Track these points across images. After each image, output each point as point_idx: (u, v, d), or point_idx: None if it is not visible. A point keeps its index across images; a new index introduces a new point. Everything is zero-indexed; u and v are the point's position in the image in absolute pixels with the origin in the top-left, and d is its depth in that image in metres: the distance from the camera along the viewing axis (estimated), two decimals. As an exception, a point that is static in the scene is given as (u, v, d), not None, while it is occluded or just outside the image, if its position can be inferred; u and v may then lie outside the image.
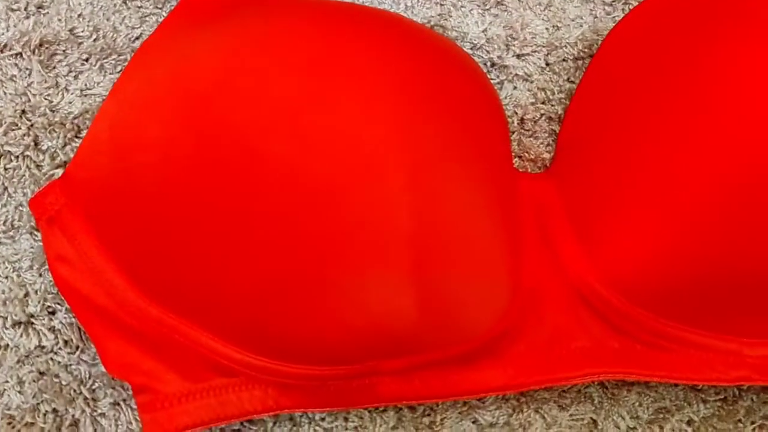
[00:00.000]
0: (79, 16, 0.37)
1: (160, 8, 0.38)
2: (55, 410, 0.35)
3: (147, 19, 0.37)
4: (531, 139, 0.38)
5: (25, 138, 0.36)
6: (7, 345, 0.36)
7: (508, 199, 0.34)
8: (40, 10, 0.37)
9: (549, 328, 0.33)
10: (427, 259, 0.30)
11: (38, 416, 0.35)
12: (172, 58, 0.31)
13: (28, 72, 0.37)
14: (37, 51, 0.37)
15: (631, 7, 0.40)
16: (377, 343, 0.31)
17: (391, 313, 0.30)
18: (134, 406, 0.34)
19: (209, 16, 0.34)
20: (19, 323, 0.36)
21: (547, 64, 0.39)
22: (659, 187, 0.32)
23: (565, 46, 0.39)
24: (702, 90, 0.32)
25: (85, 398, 0.35)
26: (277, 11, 0.32)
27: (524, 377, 0.33)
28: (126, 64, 0.36)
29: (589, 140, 0.35)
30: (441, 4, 0.40)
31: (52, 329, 0.36)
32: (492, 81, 0.39)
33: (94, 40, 0.37)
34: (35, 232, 0.36)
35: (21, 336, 0.36)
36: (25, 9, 0.37)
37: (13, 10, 0.37)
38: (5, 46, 0.37)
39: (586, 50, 0.39)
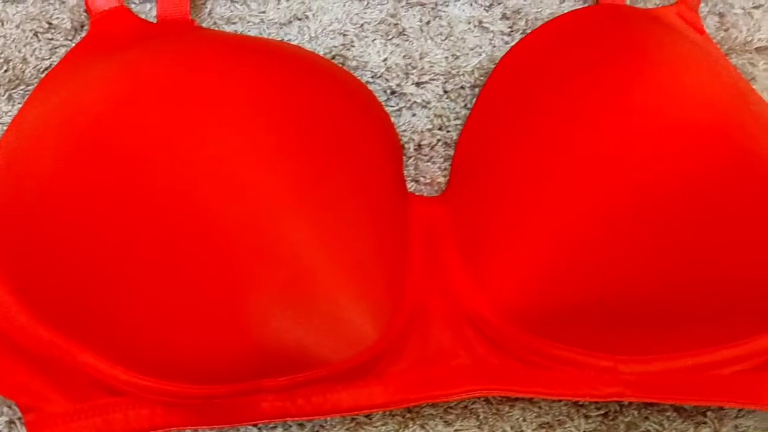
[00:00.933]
0: (-9, 47, 0.39)
1: (71, 40, 0.39)
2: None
3: (57, 50, 0.39)
4: (428, 163, 0.40)
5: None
6: None
7: (396, 221, 0.35)
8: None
9: (433, 347, 0.34)
10: (303, 279, 0.31)
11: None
12: (67, 89, 0.33)
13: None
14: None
15: (529, 36, 0.41)
16: (257, 362, 0.32)
17: (268, 333, 0.31)
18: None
19: (111, 48, 0.35)
20: None
21: (445, 92, 0.41)
22: (535, 216, 0.33)
23: (463, 75, 0.41)
24: (576, 121, 0.33)
25: (-20, 416, 0.37)
26: (171, 45, 0.34)
27: (405, 393, 0.34)
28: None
29: (477, 166, 0.37)
30: (344, 35, 0.41)
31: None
32: (391, 108, 0.40)
33: (4, 71, 0.39)
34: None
35: None
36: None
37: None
38: None
39: (482, 78, 0.41)
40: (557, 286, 0.32)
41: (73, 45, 0.39)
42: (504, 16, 0.42)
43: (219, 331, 0.31)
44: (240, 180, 0.30)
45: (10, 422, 0.36)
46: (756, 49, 0.43)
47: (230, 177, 0.30)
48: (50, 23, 0.39)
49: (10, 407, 0.36)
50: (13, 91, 0.38)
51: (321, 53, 0.40)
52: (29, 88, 0.38)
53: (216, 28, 0.40)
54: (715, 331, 0.34)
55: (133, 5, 0.40)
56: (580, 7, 0.43)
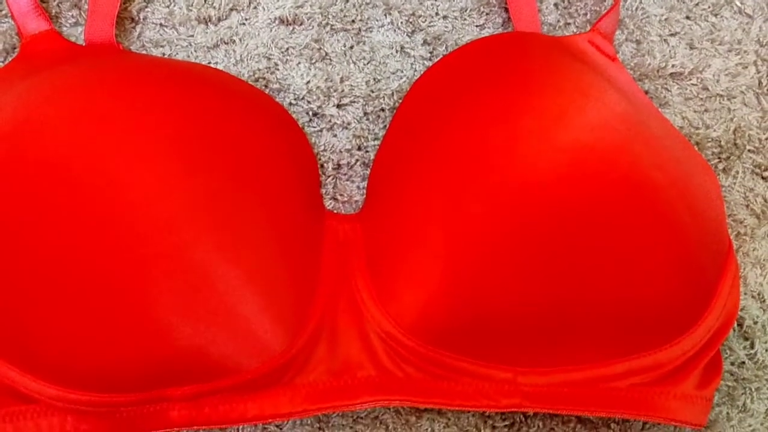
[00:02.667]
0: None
1: (2, 62, 0.41)
2: None
3: (-12, 70, 0.40)
4: (347, 182, 0.41)
5: None
6: None
7: (307, 236, 0.37)
8: None
9: (340, 359, 0.36)
10: (205, 289, 0.32)
11: None
12: None
13: None
14: None
15: (449, 61, 0.43)
16: (161, 371, 0.33)
17: (171, 342, 0.32)
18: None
19: (33, 69, 0.37)
20: None
21: (365, 114, 0.42)
22: (430, 234, 0.35)
23: (383, 97, 0.43)
24: (467, 143, 0.35)
25: None
26: (81, 67, 0.35)
27: (310, 403, 0.35)
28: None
29: (388, 185, 0.38)
30: (269, 58, 0.43)
31: None
32: (312, 129, 0.42)
33: (-64, 91, 0.40)
34: None
35: None
36: None
37: None
38: None
39: (401, 101, 0.42)
40: (452, 301, 0.34)
41: (1, 64, 0.40)
42: (425, 42, 0.44)
43: (122, 339, 0.32)
44: (141, 193, 0.32)
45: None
46: (670, 74, 0.45)
47: (131, 191, 0.32)
48: (-19, 45, 0.40)
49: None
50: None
51: (245, 76, 0.42)
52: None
53: (144, 52, 0.42)
54: (609, 346, 0.35)
55: (64, 28, 0.42)
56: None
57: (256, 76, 0.42)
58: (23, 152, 0.32)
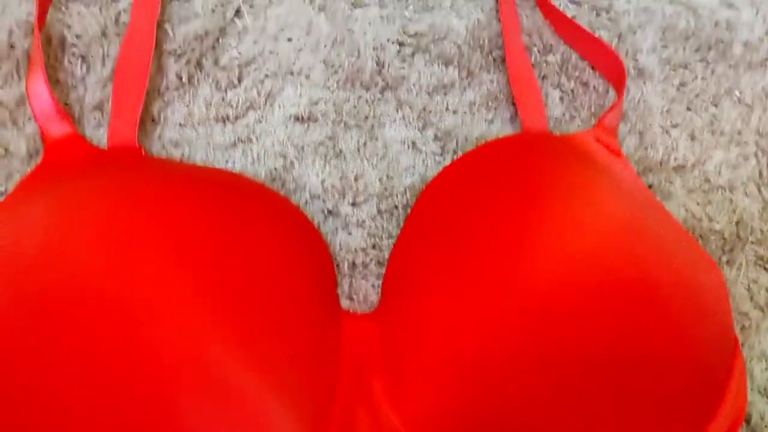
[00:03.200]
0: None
1: (27, 166, 0.42)
2: None
3: (12, 176, 0.42)
4: (362, 281, 0.42)
5: None
6: None
7: (325, 339, 0.38)
8: None
9: (359, 462, 0.37)
10: (231, 400, 0.33)
11: None
12: (8, 227, 0.35)
13: None
14: None
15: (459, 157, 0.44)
16: None
17: None
18: None
19: (57, 180, 0.38)
20: None
21: (379, 212, 0.43)
22: (446, 337, 0.36)
23: (396, 195, 0.44)
24: (479, 248, 0.36)
25: None
26: (109, 184, 0.37)
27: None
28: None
29: (403, 285, 0.39)
30: (285, 157, 0.44)
31: None
32: (327, 228, 0.43)
33: (-39, 195, 0.41)
34: None
35: None
36: None
37: None
38: None
39: (414, 198, 0.44)
40: (463, 405, 0.35)
41: (29, 171, 0.41)
42: (436, 137, 0.45)
43: None
44: (168, 315, 0.33)
45: None
46: (673, 168, 0.46)
47: (158, 313, 0.33)
48: (6, 149, 0.42)
49: None
50: (-31, 214, 0.41)
51: (262, 175, 0.43)
52: (-16, 213, 0.41)
53: (164, 151, 0.43)
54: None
55: (87, 130, 0.43)
56: (507, 131, 0.46)
57: (273, 175, 0.43)
58: (49, 281, 0.33)
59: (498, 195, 0.38)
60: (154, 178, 0.37)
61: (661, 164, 0.46)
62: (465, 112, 0.46)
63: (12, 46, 0.43)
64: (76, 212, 0.34)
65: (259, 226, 0.37)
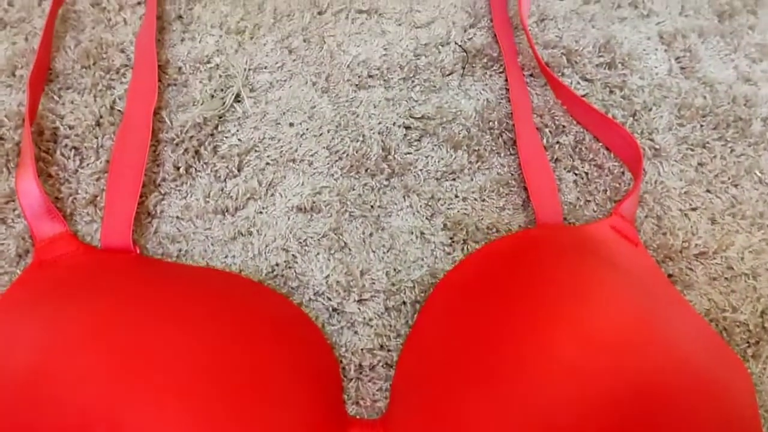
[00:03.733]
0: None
1: (15, 267, 0.40)
2: None
3: (1, 278, 0.40)
4: (369, 384, 0.40)
5: None
6: None
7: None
8: None
9: None
10: None
11: None
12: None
13: None
14: None
15: (469, 248, 0.42)
16: None
17: None
18: None
19: (48, 289, 0.36)
20: None
21: (386, 309, 0.41)
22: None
23: (404, 290, 0.42)
24: (494, 353, 0.34)
25: None
26: (102, 300, 0.35)
27: None
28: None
29: (413, 390, 0.37)
30: (287, 251, 0.42)
31: None
32: (333, 326, 0.41)
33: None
34: None
35: None
36: None
37: None
38: None
39: (422, 294, 0.41)
40: None
41: (17, 272, 0.39)
42: (445, 227, 0.43)
43: None
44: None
45: None
46: (694, 255, 0.44)
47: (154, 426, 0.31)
48: (-5, 250, 0.40)
49: None
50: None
51: (264, 272, 0.41)
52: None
53: (161, 248, 0.41)
54: None
55: (79, 226, 0.41)
56: (518, 219, 0.44)
57: (275, 272, 0.41)
58: (39, 404, 0.31)
59: (509, 300, 0.36)
60: (148, 287, 0.35)
61: (681, 251, 0.44)
62: (475, 199, 0.44)
63: (2, 139, 0.41)
64: (68, 332, 0.32)
65: (257, 332, 0.35)
